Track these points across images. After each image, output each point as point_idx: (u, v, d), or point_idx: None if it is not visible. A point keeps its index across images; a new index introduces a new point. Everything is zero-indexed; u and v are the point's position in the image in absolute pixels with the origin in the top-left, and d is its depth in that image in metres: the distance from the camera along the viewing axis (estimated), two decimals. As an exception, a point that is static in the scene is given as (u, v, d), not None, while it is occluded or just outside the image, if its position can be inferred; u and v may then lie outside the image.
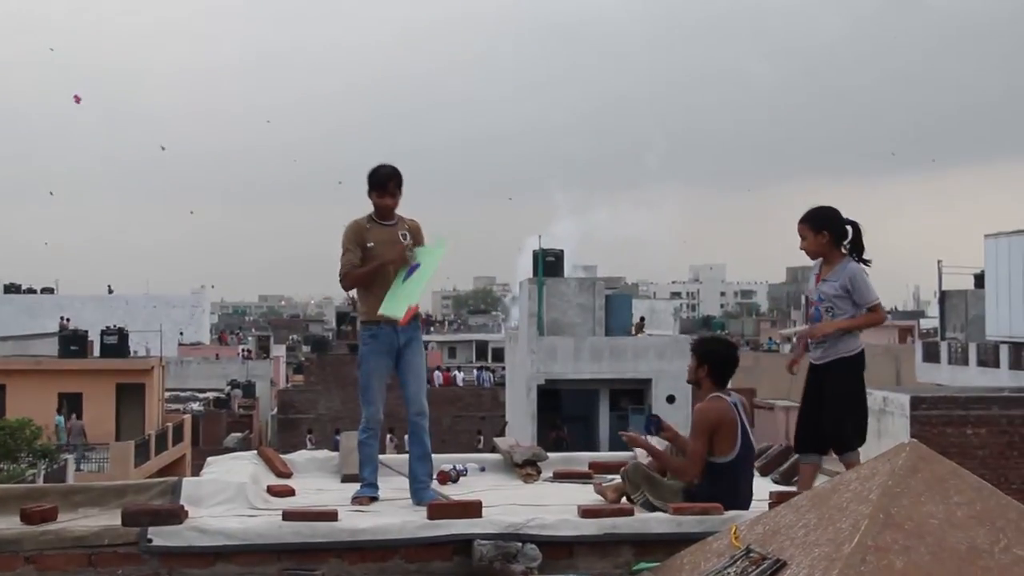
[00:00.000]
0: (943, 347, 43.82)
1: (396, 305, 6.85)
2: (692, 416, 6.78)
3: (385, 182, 6.98)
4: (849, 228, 6.75)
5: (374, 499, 6.69)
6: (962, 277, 48.27)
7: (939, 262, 47.20)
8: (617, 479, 8.02)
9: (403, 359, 7.03)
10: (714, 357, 6.78)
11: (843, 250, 6.73)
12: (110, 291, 75.57)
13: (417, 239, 7.10)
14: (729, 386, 6.86)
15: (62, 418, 38.98)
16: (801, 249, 6.81)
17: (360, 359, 7.10)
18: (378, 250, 6.90)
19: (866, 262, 6.78)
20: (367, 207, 7.07)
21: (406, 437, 7.54)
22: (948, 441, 18.02)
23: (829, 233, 6.70)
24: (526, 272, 34.08)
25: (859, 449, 6.68)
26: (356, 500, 6.64)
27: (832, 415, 6.62)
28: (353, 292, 7.25)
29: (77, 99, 50.23)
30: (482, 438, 47.24)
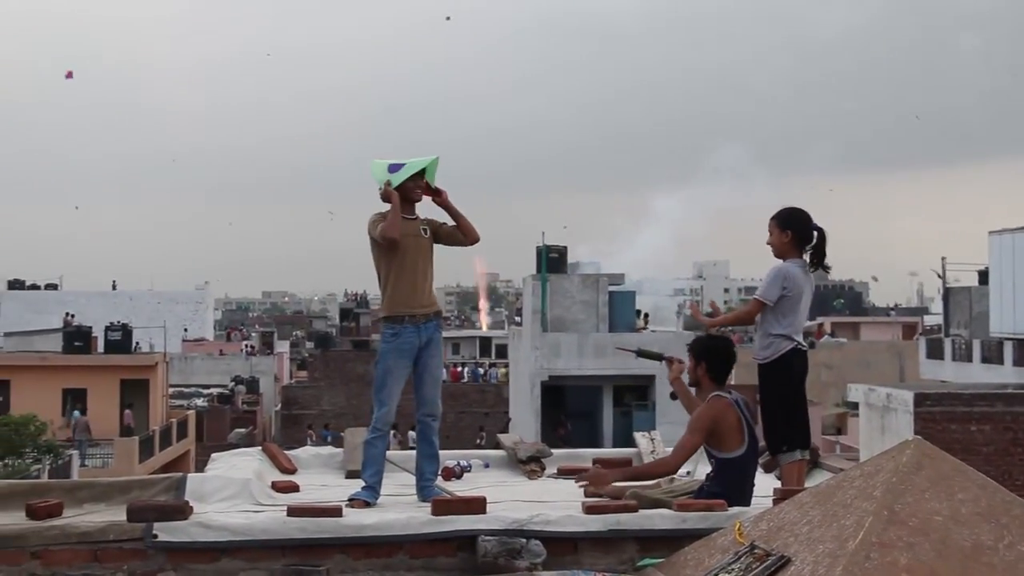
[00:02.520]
0: (947, 344, 43.76)
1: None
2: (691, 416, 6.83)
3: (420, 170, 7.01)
4: (815, 234, 6.83)
5: (368, 504, 6.60)
6: (966, 274, 48.25)
7: (943, 259, 47.24)
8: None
9: (421, 359, 6.95)
10: (710, 354, 6.82)
11: (804, 254, 6.81)
12: (114, 287, 75.66)
13: (435, 226, 7.11)
14: (732, 383, 6.90)
15: (79, 413, 39.14)
16: (767, 244, 6.91)
17: (379, 357, 7.00)
18: (403, 242, 6.88)
19: (826, 268, 6.93)
20: (367, 205, 7.07)
21: (410, 433, 7.55)
22: (952, 438, 18.00)
23: (792, 234, 6.82)
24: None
25: (793, 455, 6.80)
26: (352, 502, 6.55)
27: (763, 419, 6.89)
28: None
29: (69, 74, 50.54)
30: (484, 435, 47.18)
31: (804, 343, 6.88)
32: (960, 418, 18.74)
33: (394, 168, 6.98)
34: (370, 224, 6.95)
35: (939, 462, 4.59)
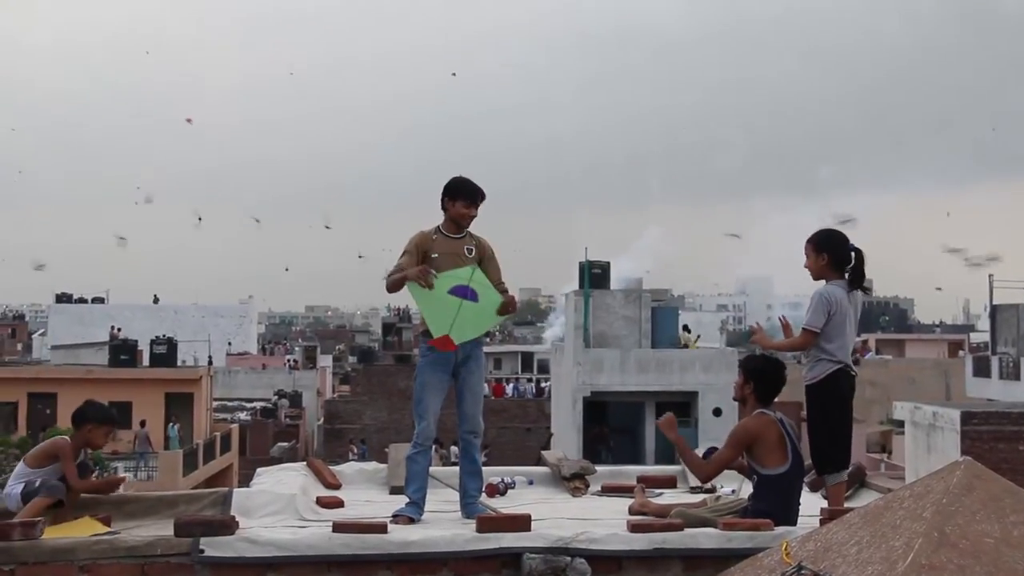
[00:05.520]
0: (994, 362, 43.28)
1: (458, 328, 6.82)
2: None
3: (476, 195, 7.01)
4: (853, 255, 6.82)
5: (413, 520, 6.64)
6: (1014, 291, 47.64)
7: (990, 276, 46.67)
8: (662, 493, 8.05)
9: (461, 375, 6.98)
10: (759, 375, 6.81)
11: (843, 276, 6.80)
12: (156, 301, 76.33)
13: (483, 254, 7.06)
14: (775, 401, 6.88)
15: (175, 427, 39.57)
16: (804, 268, 6.91)
17: (417, 372, 7.05)
18: (440, 262, 6.87)
19: (865, 290, 6.95)
20: (412, 219, 7.09)
21: (452, 448, 7.58)
22: (1000, 457, 17.77)
23: (829, 256, 6.83)
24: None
25: (839, 476, 6.82)
26: (396, 518, 6.59)
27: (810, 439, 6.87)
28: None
29: (189, 121, 53.77)
30: (488, 450, 46.15)
31: (853, 366, 6.85)
32: (1008, 437, 18.51)
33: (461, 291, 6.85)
34: (407, 243, 7.01)
35: (990, 483, 4.54)
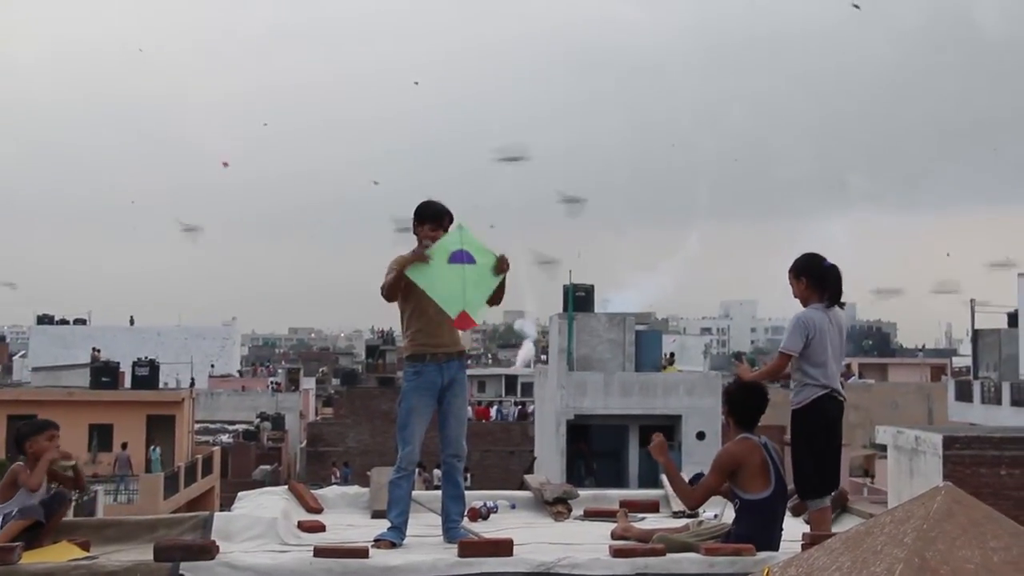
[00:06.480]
0: (976, 386, 43.41)
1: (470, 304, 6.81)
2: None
3: (441, 216, 7.04)
4: (829, 273, 6.89)
5: (395, 545, 6.61)
6: (995, 316, 47.91)
7: (972, 300, 46.90)
8: (644, 517, 8.05)
9: (445, 399, 6.97)
10: (733, 400, 6.84)
11: (824, 296, 6.85)
12: (132, 323, 75.94)
13: None
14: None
15: (157, 450, 39.37)
16: (794, 297, 6.98)
17: (401, 396, 7.05)
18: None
19: (841, 305, 6.96)
20: (397, 240, 7.11)
21: (435, 472, 7.56)
22: (982, 482, 17.79)
23: (807, 279, 6.89)
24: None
25: (822, 502, 6.84)
26: (378, 543, 6.56)
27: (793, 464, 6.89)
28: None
29: (225, 164, 55.30)
30: (470, 475, 45.96)
31: (840, 390, 6.86)
32: (990, 462, 18.53)
33: (458, 256, 6.88)
34: (389, 265, 6.99)
35: (971, 509, 4.54)
